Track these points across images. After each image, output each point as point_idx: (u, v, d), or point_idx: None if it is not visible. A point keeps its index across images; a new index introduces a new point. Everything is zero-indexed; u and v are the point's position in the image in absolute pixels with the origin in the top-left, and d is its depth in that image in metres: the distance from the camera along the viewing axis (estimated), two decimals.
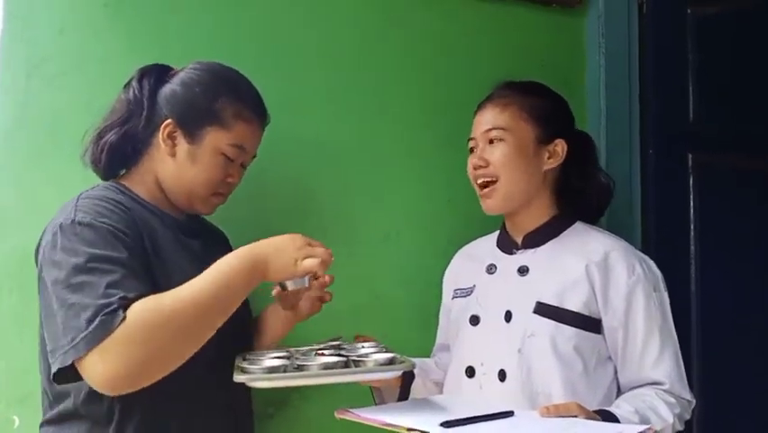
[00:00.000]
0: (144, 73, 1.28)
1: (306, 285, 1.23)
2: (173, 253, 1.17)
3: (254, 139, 1.31)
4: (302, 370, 1.08)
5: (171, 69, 1.30)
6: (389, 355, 1.13)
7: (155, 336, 1.00)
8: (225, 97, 1.25)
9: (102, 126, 1.25)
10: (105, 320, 0.98)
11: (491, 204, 1.42)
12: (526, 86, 1.46)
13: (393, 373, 1.18)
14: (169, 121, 1.23)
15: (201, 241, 1.29)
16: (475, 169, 1.42)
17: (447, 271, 1.59)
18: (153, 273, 1.11)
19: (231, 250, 1.39)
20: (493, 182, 1.40)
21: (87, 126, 1.28)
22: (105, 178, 1.27)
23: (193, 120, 1.23)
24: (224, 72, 1.29)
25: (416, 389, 1.43)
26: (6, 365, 1.38)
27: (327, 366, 1.08)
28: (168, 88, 1.26)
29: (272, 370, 1.07)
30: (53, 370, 1.01)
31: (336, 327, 1.53)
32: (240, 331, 1.29)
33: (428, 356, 1.59)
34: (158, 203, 1.25)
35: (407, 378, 1.42)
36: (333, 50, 1.65)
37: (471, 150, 1.46)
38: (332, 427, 1.54)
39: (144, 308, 1.00)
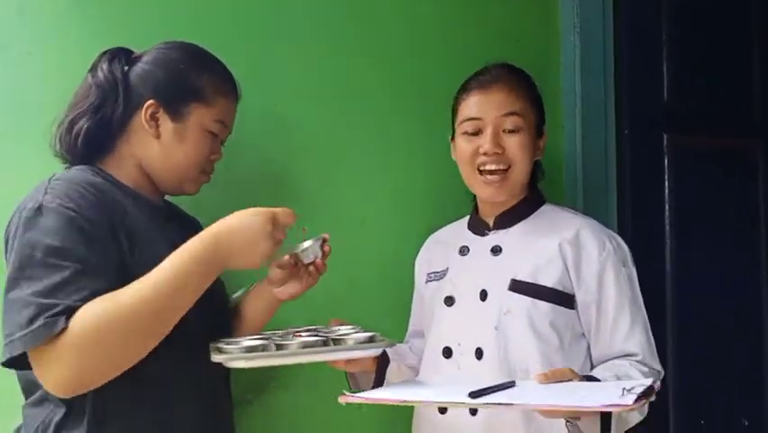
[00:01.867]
0: (113, 56, 1.28)
1: (319, 256, 1.29)
2: (149, 238, 1.17)
3: (233, 114, 1.35)
4: (281, 349, 1.09)
5: (133, 51, 1.30)
6: (369, 334, 1.15)
7: (101, 342, 1.02)
8: (207, 74, 1.28)
9: (73, 114, 1.24)
10: (48, 323, 1.00)
11: (499, 193, 1.42)
12: (523, 72, 1.49)
13: (373, 351, 1.20)
14: (151, 101, 1.24)
15: (177, 225, 1.30)
16: (488, 155, 1.40)
17: (419, 257, 1.62)
18: (126, 260, 1.12)
19: None
20: (504, 171, 1.40)
21: (52, 109, 1.28)
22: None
23: (177, 98, 1.25)
24: (196, 50, 1.32)
25: (392, 373, 1.46)
26: None
27: (307, 345, 1.10)
28: (140, 69, 1.27)
29: (251, 349, 1.08)
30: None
31: (312, 313, 1.56)
32: (217, 318, 1.31)
33: (402, 342, 1.62)
34: (136, 187, 1.26)
35: (383, 362, 1.44)
36: (306, 35, 1.67)
37: (473, 132, 1.43)
38: (310, 412, 1.60)
39: (89, 314, 1.01)
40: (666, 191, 1.99)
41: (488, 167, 1.41)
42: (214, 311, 1.29)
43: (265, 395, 1.58)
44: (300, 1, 1.67)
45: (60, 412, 1.11)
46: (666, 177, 1.99)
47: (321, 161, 1.67)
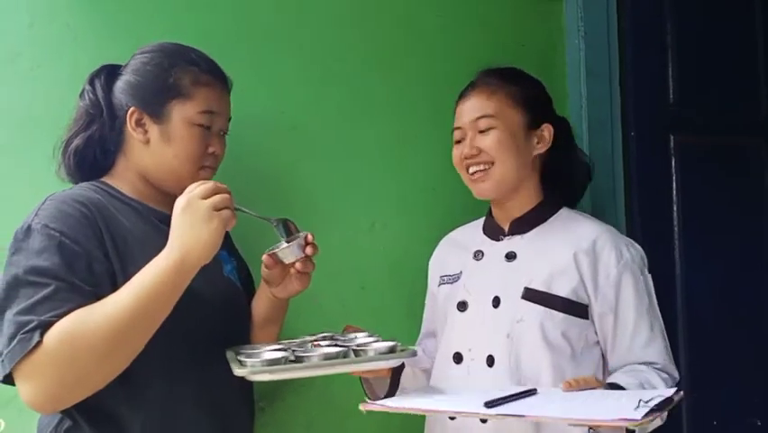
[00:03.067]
0: (93, 76, 1.33)
1: (302, 254, 1.24)
2: (147, 251, 1.16)
3: (221, 101, 1.34)
4: (303, 361, 1.11)
5: (120, 66, 1.34)
6: (390, 344, 1.17)
7: (74, 358, 1.05)
8: (177, 68, 1.29)
9: (67, 136, 1.31)
10: (23, 339, 1.04)
11: (485, 187, 1.47)
12: (508, 72, 1.52)
13: (395, 362, 1.22)
14: (132, 109, 1.27)
15: None
16: (466, 158, 1.47)
17: (433, 258, 1.64)
18: (117, 273, 1.16)
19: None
20: (487, 168, 1.45)
21: (62, 121, 1.33)
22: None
23: (154, 99, 1.28)
24: (169, 46, 1.34)
25: (407, 378, 1.48)
26: None
27: (329, 357, 1.12)
28: (122, 81, 1.31)
29: (273, 362, 1.10)
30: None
31: (323, 318, 1.60)
32: (229, 327, 1.32)
33: (414, 345, 1.63)
34: (141, 198, 1.29)
35: (398, 368, 1.46)
36: (311, 42, 1.70)
37: (458, 140, 1.50)
38: (323, 418, 1.63)
39: (62, 330, 1.04)
40: (674, 192, 2.02)
41: (471, 169, 1.48)
42: (227, 320, 1.31)
43: (278, 402, 1.61)
44: (305, 9, 1.70)
45: (69, 422, 1.15)
46: (674, 178, 2.02)
47: (329, 167, 1.70)
